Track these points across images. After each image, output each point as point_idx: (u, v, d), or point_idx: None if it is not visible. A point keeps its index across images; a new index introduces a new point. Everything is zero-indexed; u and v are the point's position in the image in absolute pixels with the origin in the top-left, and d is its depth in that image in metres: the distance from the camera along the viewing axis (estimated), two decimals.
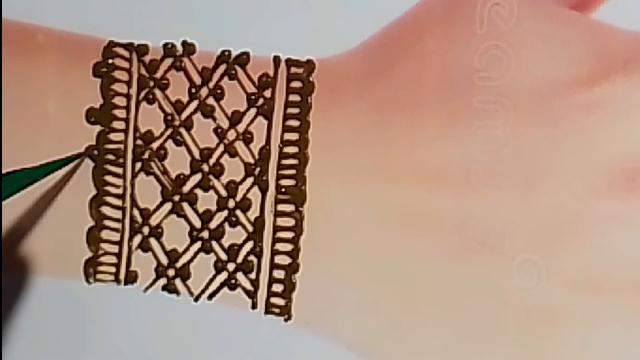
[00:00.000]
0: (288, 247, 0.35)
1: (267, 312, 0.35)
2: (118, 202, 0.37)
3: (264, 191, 0.35)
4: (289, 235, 0.35)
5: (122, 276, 0.37)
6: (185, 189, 0.36)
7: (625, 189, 0.31)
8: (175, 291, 0.36)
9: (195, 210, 0.36)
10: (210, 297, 0.36)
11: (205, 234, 0.36)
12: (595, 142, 0.32)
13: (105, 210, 0.37)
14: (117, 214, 0.37)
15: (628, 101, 0.31)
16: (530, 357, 0.33)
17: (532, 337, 0.32)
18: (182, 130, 0.36)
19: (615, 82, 0.31)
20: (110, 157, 0.37)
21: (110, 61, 0.36)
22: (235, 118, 0.35)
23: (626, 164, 0.31)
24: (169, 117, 0.36)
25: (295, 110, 0.35)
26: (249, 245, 0.35)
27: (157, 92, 0.36)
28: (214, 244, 0.36)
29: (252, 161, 0.35)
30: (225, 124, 0.35)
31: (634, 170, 0.31)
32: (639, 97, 0.31)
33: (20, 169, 0.34)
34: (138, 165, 0.36)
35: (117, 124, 0.37)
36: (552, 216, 0.32)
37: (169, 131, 0.36)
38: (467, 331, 0.33)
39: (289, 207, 0.35)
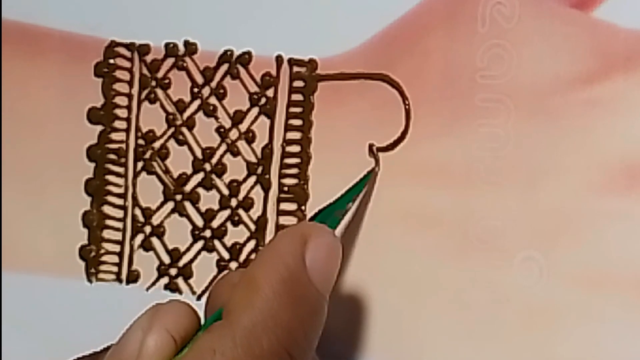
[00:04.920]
0: None
1: None
2: (120, 202, 0.37)
3: (266, 190, 0.35)
4: None
5: (124, 275, 0.37)
6: (188, 188, 0.36)
7: (626, 186, 0.32)
8: (178, 290, 0.36)
9: (198, 209, 0.36)
10: None
11: (207, 233, 0.36)
12: (596, 139, 0.32)
13: (107, 209, 0.37)
14: (119, 213, 0.37)
15: (629, 99, 0.31)
16: (532, 354, 0.33)
17: (533, 334, 0.32)
18: (184, 130, 0.36)
19: (616, 80, 0.32)
20: (112, 156, 0.37)
21: (111, 61, 0.37)
22: (237, 117, 0.35)
23: (627, 162, 0.32)
24: (171, 117, 0.36)
25: (297, 109, 0.35)
26: (252, 244, 0.36)
27: (159, 91, 0.36)
28: (217, 242, 0.36)
29: (254, 160, 0.35)
30: (227, 123, 0.36)
31: (635, 167, 0.32)
32: (639, 95, 0.31)
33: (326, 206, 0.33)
34: (140, 164, 0.36)
35: (118, 124, 0.37)
36: (553, 213, 0.32)
37: (171, 131, 0.36)
38: (468, 329, 0.33)
39: (292, 206, 0.35)
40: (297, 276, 0.27)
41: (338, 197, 0.33)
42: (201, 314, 0.31)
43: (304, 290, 0.27)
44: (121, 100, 0.37)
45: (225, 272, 0.30)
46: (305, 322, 0.27)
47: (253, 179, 0.35)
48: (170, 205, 0.36)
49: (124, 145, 0.37)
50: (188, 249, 0.36)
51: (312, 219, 0.32)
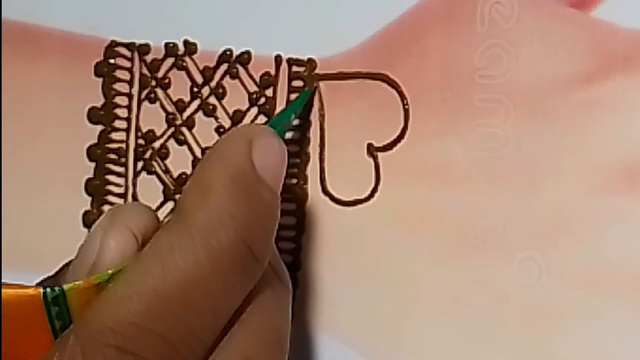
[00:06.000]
0: (290, 245, 0.35)
1: None
2: (120, 202, 0.37)
3: None
4: (291, 233, 0.35)
5: None
6: None
7: (626, 187, 0.32)
8: None
9: None
10: None
11: None
12: (596, 139, 0.32)
13: (107, 209, 0.37)
14: None
15: (628, 99, 0.31)
16: (531, 354, 0.33)
17: (533, 334, 0.33)
18: (184, 130, 0.36)
19: (616, 80, 0.32)
20: (112, 156, 0.37)
21: (111, 61, 0.37)
22: (237, 117, 0.35)
23: (626, 162, 0.32)
24: (171, 117, 0.36)
25: None
26: None
27: (159, 91, 0.36)
28: None
29: None
30: (227, 123, 0.36)
31: (635, 167, 0.32)
32: (639, 95, 0.31)
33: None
34: (140, 164, 0.37)
35: (118, 124, 0.37)
36: (553, 214, 0.32)
37: (171, 130, 0.36)
38: (467, 329, 0.33)
39: (291, 206, 0.35)
40: (247, 174, 0.27)
41: (281, 110, 0.34)
42: None
43: (256, 187, 0.27)
44: (121, 100, 0.37)
45: None
46: (262, 217, 0.27)
47: None
48: (170, 205, 0.36)
49: (124, 145, 0.37)
50: None
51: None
